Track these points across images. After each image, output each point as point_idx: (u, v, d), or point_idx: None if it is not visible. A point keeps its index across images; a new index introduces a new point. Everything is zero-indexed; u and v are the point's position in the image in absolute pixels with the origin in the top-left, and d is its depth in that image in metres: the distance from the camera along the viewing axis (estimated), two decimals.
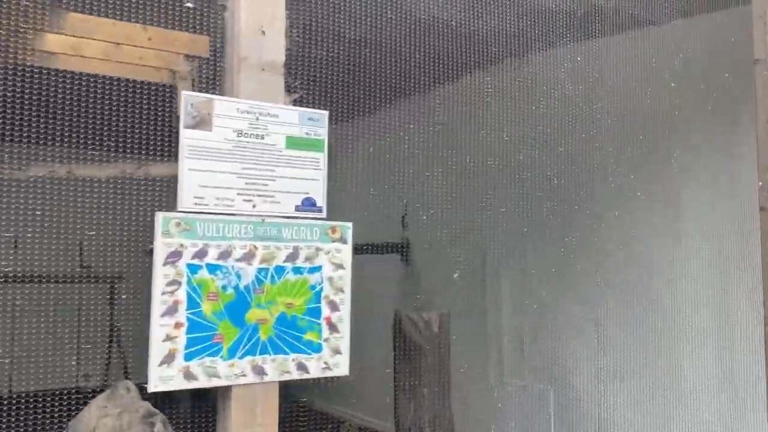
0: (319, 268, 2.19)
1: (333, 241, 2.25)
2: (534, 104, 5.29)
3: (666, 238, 4.97)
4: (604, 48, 5.06)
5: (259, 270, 2.13)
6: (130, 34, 3.72)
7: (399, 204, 6.13)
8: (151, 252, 2.13)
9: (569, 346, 5.30)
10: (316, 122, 2.23)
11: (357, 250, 6.02)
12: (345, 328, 2.23)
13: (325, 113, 2.29)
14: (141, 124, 3.42)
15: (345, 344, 2.23)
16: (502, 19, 4.68)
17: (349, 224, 2.33)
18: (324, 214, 2.25)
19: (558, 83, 5.09)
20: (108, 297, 5.55)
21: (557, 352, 5.37)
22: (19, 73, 3.22)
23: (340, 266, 2.25)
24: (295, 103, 2.22)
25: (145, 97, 3.45)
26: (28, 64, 4.39)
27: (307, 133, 2.21)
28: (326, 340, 2.20)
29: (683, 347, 4.79)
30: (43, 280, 5.06)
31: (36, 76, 3.36)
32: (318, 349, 2.19)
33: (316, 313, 2.18)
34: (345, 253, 2.30)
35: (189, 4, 3.34)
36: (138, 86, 3.65)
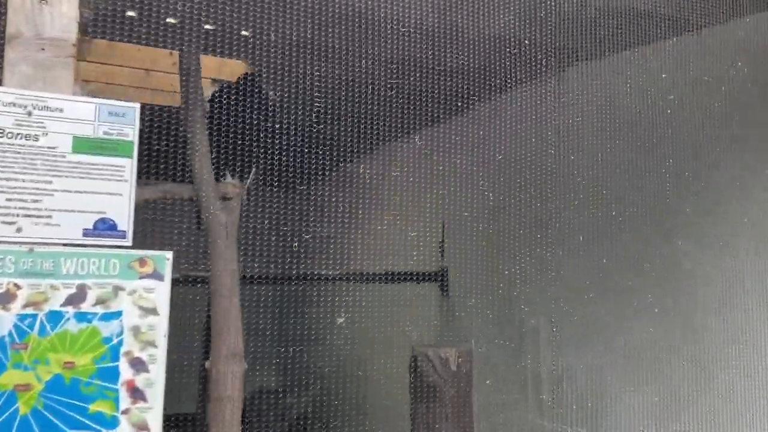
0: (117, 315, 1.51)
1: (141, 278, 1.57)
2: (585, 115, 4.45)
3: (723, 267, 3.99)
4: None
5: (21, 317, 1.48)
6: None
7: (437, 230, 5.38)
8: None
9: (612, 386, 4.36)
10: (120, 118, 1.58)
11: (393, 279, 5.32)
12: (157, 396, 1.53)
13: (135, 106, 1.63)
14: None
15: (155, 418, 1.53)
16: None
17: (167, 254, 1.63)
18: (128, 241, 1.58)
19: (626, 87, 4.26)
20: None
21: (600, 394, 4.43)
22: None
23: (150, 311, 1.56)
24: None
25: None
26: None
27: (106, 133, 1.57)
28: (126, 412, 1.51)
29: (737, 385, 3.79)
30: None
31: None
32: (112, 424, 1.50)
33: (110, 375, 1.50)
34: (160, 294, 1.60)
35: None
36: None
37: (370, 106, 4.89)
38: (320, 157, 5.14)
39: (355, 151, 5.36)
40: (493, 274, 5.00)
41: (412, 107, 4.81)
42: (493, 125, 4.83)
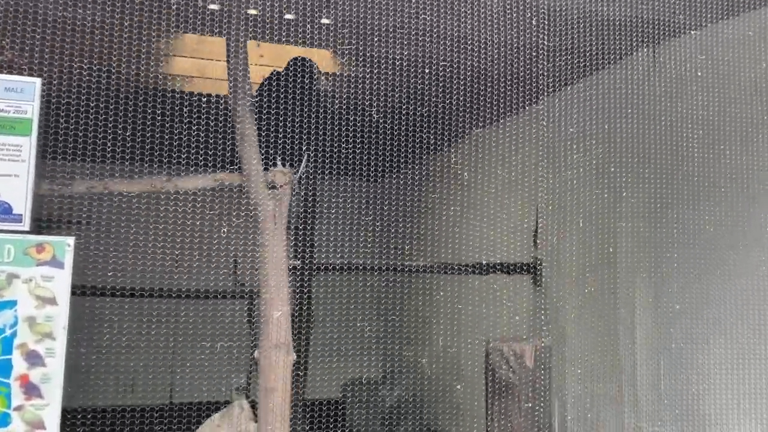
0: (11, 304, 1.33)
1: (39, 265, 1.38)
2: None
3: None
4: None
5: None
6: None
7: (530, 219, 4.94)
8: None
9: (715, 387, 3.77)
10: (18, 94, 1.40)
11: (484, 269, 4.95)
12: (54, 392, 1.34)
13: (35, 81, 1.44)
14: None
15: (53, 416, 1.33)
16: None
17: (69, 240, 1.43)
18: (25, 225, 1.39)
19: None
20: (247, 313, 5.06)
21: (700, 395, 3.85)
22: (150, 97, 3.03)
23: (48, 301, 1.36)
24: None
25: None
26: (160, 88, 4.09)
27: (2, 110, 1.40)
28: (19, 408, 1.33)
29: None
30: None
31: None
32: (2, 422, 1.33)
33: (1, 369, 1.33)
34: (59, 283, 1.40)
35: None
36: None
37: (456, 91, 4.55)
38: (405, 146, 4.86)
39: (443, 138, 5.02)
40: (590, 265, 4.51)
41: (502, 90, 4.42)
42: (590, 105, 4.35)
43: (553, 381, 4.02)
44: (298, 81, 3.14)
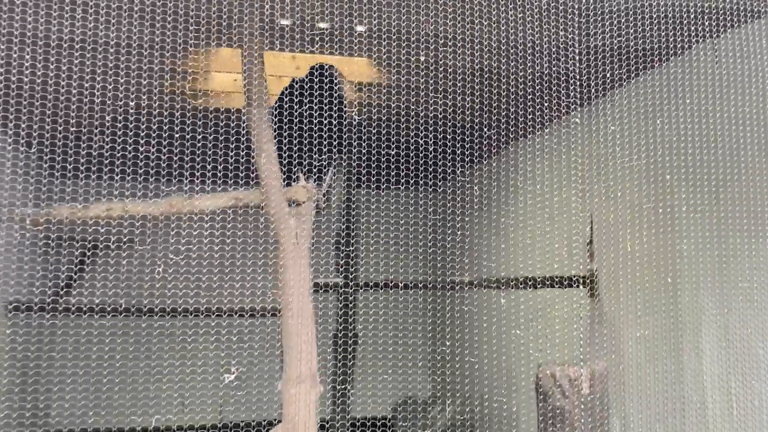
0: None
1: None
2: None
3: None
4: None
5: None
6: None
7: (584, 229, 4.42)
8: None
9: None
10: None
11: (534, 284, 4.44)
12: None
13: None
14: None
15: None
16: None
17: None
18: None
19: None
20: None
21: None
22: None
23: None
24: None
25: None
26: (199, 106, 3.82)
27: None
28: None
29: None
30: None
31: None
32: None
33: None
34: None
35: None
36: None
37: (502, 99, 4.12)
38: (450, 156, 4.43)
39: (490, 147, 4.57)
40: (653, 276, 3.96)
41: (550, 96, 3.97)
42: (644, 107, 3.84)
43: (612, 407, 3.49)
44: (317, 88, 2.75)
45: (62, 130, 2.91)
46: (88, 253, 4.83)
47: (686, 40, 3.50)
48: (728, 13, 3.39)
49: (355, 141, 4.34)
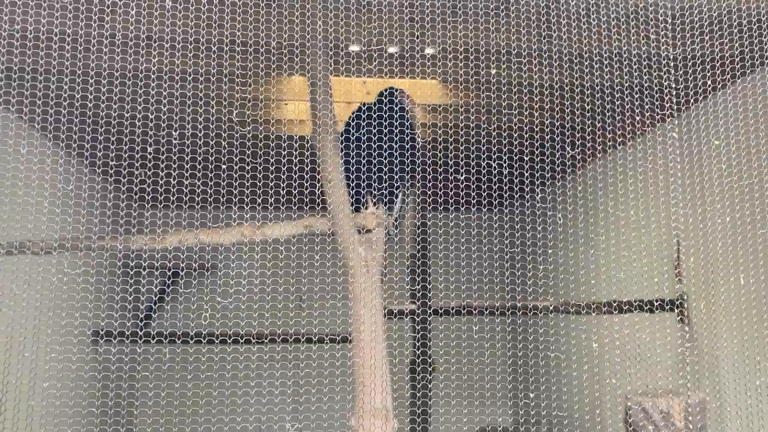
0: None
1: None
2: None
3: None
4: None
5: None
6: None
7: (670, 247, 4.12)
8: None
9: None
10: None
11: (620, 308, 4.15)
12: None
13: None
14: None
15: None
16: None
17: None
18: None
19: None
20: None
21: None
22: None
23: None
24: None
25: None
26: (272, 134, 3.83)
27: None
28: None
29: None
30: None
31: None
32: None
33: None
34: None
35: None
36: None
37: (585, 111, 3.91)
38: (527, 176, 4.23)
39: (572, 164, 4.34)
40: (747, 299, 3.63)
41: (632, 110, 3.73)
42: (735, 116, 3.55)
43: None
44: (386, 111, 2.64)
45: (139, 158, 2.90)
46: (168, 282, 4.88)
47: None
48: None
49: (428, 164, 4.21)
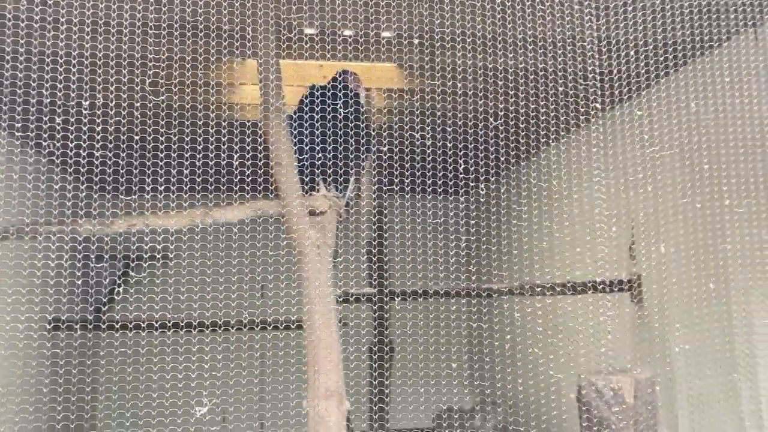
0: None
1: None
2: None
3: None
4: None
5: None
6: None
7: (626, 230, 4.17)
8: None
9: None
10: None
11: (575, 290, 4.19)
12: None
13: None
14: None
15: None
16: None
17: None
18: None
19: None
20: None
21: None
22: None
23: None
24: None
25: None
26: (223, 118, 3.75)
27: None
28: None
29: None
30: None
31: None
32: None
33: None
34: None
35: None
36: None
37: (539, 98, 3.90)
38: (483, 161, 4.24)
39: (524, 149, 4.36)
40: (700, 281, 3.69)
41: (592, 92, 3.73)
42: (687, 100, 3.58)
43: (661, 417, 3.23)
44: (338, 95, 2.61)
45: (86, 141, 2.82)
46: (125, 269, 4.79)
47: (725, 31, 3.27)
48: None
49: (385, 148, 4.19)
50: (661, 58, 3.26)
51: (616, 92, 3.52)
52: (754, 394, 3.35)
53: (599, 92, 3.43)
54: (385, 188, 4.11)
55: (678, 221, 3.64)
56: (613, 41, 2.99)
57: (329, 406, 2.49)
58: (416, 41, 3.71)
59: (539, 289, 4.22)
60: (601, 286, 4.09)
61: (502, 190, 4.50)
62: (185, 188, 2.99)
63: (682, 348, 3.73)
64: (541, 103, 3.80)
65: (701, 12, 2.94)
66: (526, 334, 4.50)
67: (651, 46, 3.33)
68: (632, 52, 2.99)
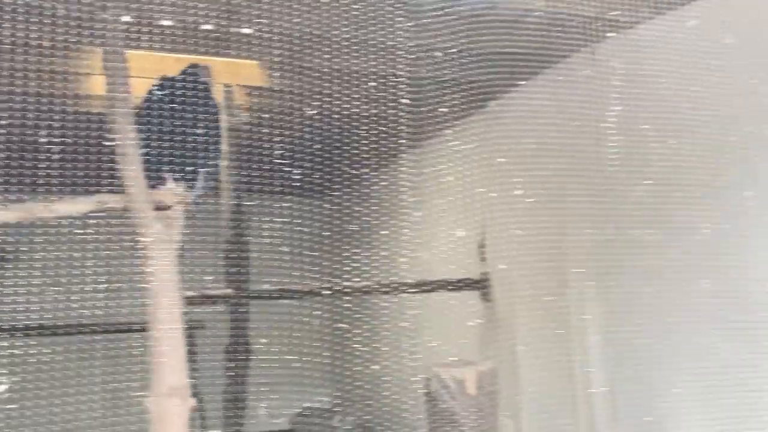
0: None
1: None
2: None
3: None
4: None
5: None
6: None
7: (476, 231, 4.37)
8: None
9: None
10: None
11: (426, 288, 4.34)
12: None
13: None
14: None
15: None
16: None
17: None
18: None
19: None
20: None
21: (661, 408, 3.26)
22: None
23: None
24: None
25: None
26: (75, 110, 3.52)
27: None
28: None
29: None
30: None
31: None
32: None
33: None
34: None
35: None
36: None
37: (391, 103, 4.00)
38: (341, 162, 4.30)
39: (381, 153, 4.46)
40: (539, 278, 3.94)
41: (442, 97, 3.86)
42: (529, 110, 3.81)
43: (504, 408, 3.42)
44: (188, 87, 2.57)
45: None
46: None
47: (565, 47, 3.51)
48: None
49: (245, 146, 4.15)
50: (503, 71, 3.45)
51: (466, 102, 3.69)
52: (585, 382, 3.62)
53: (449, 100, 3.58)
54: (244, 187, 4.07)
55: (524, 222, 3.86)
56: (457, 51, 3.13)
57: (172, 403, 2.43)
58: (278, 39, 3.71)
59: (394, 287, 4.33)
60: (452, 285, 4.27)
61: (362, 192, 4.59)
62: (26, 182, 2.83)
63: (527, 343, 3.95)
64: (392, 108, 3.90)
65: (536, 28, 3.15)
66: (382, 332, 4.61)
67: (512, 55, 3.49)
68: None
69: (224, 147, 2.95)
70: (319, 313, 4.42)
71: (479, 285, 4.28)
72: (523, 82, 3.86)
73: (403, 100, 3.59)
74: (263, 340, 4.24)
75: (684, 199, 3.09)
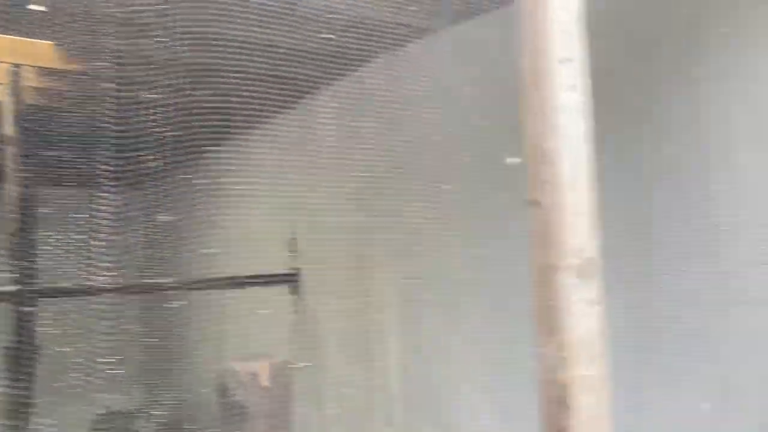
0: None
1: None
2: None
3: None
4: None
5: None
6: None
7: (288, 228, 4.34)
8: None
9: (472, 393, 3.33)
10: None
11: (239, 284, 4.24)
12: None
13: None
14: None
15: None
16: None
17: None
18: None
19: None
20: None
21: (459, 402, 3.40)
22: None
23: None
24: None
25: None
26: None
27: None
28: None
29: None
30: None
31: None
32: None
33: None
34: None
35: None
36: None
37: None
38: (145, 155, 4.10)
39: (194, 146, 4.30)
40: (352, 272, 3.97)
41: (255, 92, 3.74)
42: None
43: (309, 396, 3.41)
44: None
45: None
46: None
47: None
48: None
49: (32, 132, 3.85)
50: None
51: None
52: (383, 371, 3.69)
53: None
54: (31, 177, 3.77)
55: (334, 218, 3.88)
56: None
57: None
58: (74, 19, 3.47)
59: (205, 283, 4.21)
60: (263, 279, 4.21)
61: (174, 186, 4.41)
62: None
63: (333, 337, 3.98)
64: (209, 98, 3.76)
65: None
66: (190, 329, 4.46)
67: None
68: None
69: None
70: (121, 311, 4.19)
71: (289, 279, 4.25)
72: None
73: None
74: (62, 341, 3.96)
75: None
